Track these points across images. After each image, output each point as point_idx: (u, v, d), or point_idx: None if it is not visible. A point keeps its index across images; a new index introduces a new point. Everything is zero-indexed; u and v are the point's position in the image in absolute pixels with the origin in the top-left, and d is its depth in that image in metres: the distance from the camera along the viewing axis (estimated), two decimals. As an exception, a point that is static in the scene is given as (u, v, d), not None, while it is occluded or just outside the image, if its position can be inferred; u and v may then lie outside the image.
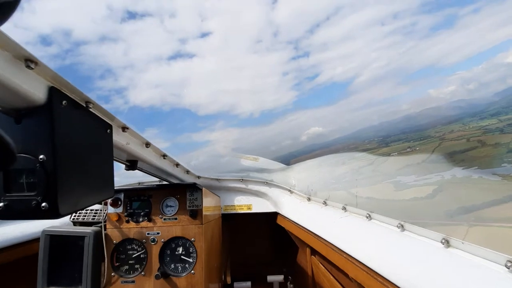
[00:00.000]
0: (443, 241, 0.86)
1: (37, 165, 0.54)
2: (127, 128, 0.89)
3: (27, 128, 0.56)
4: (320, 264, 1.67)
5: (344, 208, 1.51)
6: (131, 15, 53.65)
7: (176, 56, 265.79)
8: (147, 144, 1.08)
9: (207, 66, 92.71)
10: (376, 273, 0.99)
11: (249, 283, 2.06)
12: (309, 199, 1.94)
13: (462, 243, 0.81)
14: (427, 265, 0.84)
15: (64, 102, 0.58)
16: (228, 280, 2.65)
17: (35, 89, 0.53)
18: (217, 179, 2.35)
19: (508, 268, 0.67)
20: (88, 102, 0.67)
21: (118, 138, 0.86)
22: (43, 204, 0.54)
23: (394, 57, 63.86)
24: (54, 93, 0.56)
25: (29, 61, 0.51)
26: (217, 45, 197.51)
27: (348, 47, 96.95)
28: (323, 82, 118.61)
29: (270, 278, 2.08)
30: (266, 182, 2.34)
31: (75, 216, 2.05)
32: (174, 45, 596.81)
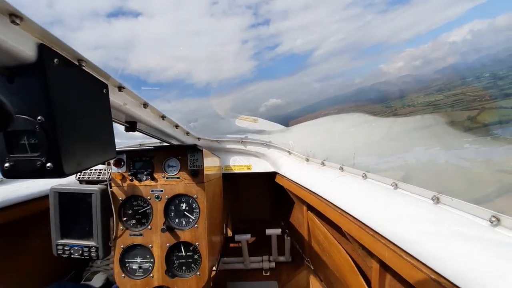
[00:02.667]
0: (434, 198, 0.91)
1: (36, 126, 0.54)
2: (123, 88, 0.87)
3: (21, 87, 0.54)
4: (316, 219, 1.78)
5: (341, 168, 1.55)
6: None
7: (118, 13, 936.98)
8: (145, 105, 1.07)
9: (157, 28, 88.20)
10: (368, 226, 1.06)
11: (248, 235, 2.21)
12: (307, 160, 1.98)
13: (452, 200, 0.86)
14: (417, 220, 0.90)
15: (55, 60, 0.56)
16: (230, 233, 2.85)
17: (23, 46, 0.50)
18: (217, 141, 2.37)
19: (492, 223, 0.72)
20: (80, 60, 0.64)
21: (115, 98, 0.84)
22: (48, 164, 0.56)
23: (352, 31, 57.92)
24: (44, 50, 0.54)
25: (14, 16, 0.47)
26: (167, 3, 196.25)
27: (309, 16, 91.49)
28: (283, 53, 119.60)
29: (269, 231, 2.22)
30: (265, 144, 2.37)
31: (80, 175, 2.11)
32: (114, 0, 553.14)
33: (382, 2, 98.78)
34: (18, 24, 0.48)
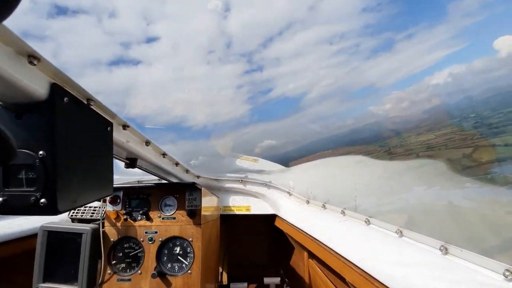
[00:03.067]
0: (442, 248, 0.86)
1: (37, 161, 0.54)
2: (128, 126, 0.89)
3: (28, 123, 0.56)
4: (317, 268, 1.67)
5: (343, 212, 1.51)
6: (60, 10, 51.15)
7: (119, 61, 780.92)
8: (147, 143, 1.08)
9: (155, 74, 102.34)
10: (373, 277, 0.99)
11: (245, 284, 2.05)
12: (308, 202, 1.94)
13: (461, 251, 0.81)
14: (425, 271, 0.84)
15: (65, 98, 0.58)
16: (225, 280, 2.65)
17: (37, 85, 0.53)
18: (216, 179, 2.35)
19: (506, 277, 0.67)
20: (89, 99, 0.67)
21: (119, 136, 0.86)
22: (42, 200, 0.54)
23: (340, 75, 71.88)
24: (56, 89, 0.56)
25: (32, 57, 0.51)
26: (165, 52, 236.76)
27: (299, 63, 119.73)
28: (276, 97, 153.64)
29: (267, 280, 2.07)
30: (265, 184, 2.34)
31: (73, 213, 2.04)
32: (116, 49, 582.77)
33: (366, 49, 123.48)
34: (35, 65, 0.51)
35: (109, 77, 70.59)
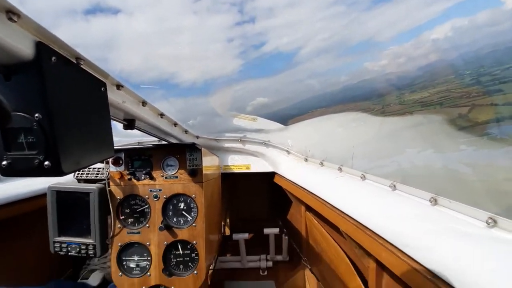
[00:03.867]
0: (432, 199, 0.91)
1: (34, 124, 0.54)
2: (122, 86, 0.86)
3: (18, 85, 0.54)
4: (314, 219, 1.78)
5: (339, 169, 1.55)
6: None
7: (96, 10, 50.96)
8: (144, 103, 1.07)
9: (137, 25, 53.61)
10: (365, 227, 1.07)
11: (246, 234, 2.21)
12: (306, 160, 1.99)
13: (449, 202, 0.86)
14: (414, 221, 0.90)
15: (53, 58, 0.56)
16: (227, 232, 2.85)
17: (20, 44, 0.50)
18: (215, 139, 2.37)
19: (488, 224, 0.72)
20: (78, 58, 0.64)
21: (114, 96, 0.84)
22: (46, 162, 0.55)
23: (337, 29, 54.28)
24: (41, 48, 0.53)
25: (11, 13, 0.47)
26: (149, 1, 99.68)
27: (294, 14, 70.70)
28: (269, 51, 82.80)
29: (266, 230, 2.23)
30: (264, 143, 2.37)
31: (78, 173, 2.11)
32: None
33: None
34: (15, 21, 0.47)
35: (86, 28, 49.43)
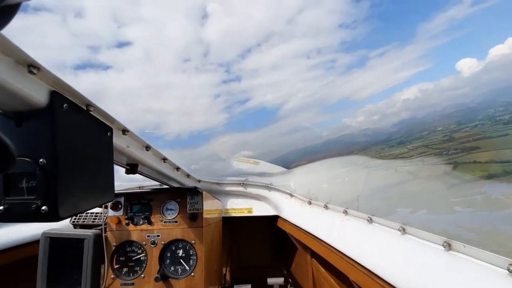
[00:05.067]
0: (445, 244, 0.86)
1: (37, 168, 0.54)
2: (127, 131, 0.89)
3: (28, 131, 0.56)
4: (321, 267, 1.66)
5: (345, 212, 1.50)
6: (20, 7, 42.53)
7: (86, 65, 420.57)
8: (147, 147, 1.09)
9: (127, 80, 76.75)
10: (377, 276, 0.99)
11: (249, 286, 2.05)
12: (310, 203, 1.93)
13: (464, 247, 0.81)
14: (429, 268, 0.84)
15: (65, 105, 0.59)
16: (228, 282, 2.64)
17: (36, 93, 0.53)
18: (217, 183, 2.35)
19: (511, 272, 0.67)
20: (89, 105, 0.68)
21: (118, 141, 0.86)
22: (43, 207, 0.54)
23: (316, 89, 68.88)
24: (55, 96, 0.57)
25: (32, 67, 0.51)
26: (138, 58, 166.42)
27: (277, 75, 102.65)
28: (253, 107, 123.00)
29: (270, 280, 2.07)
30: (267, 186, 2.34)
31: (75, 219, 2.05)
32: (83, 52, 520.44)
33: (341, 65, 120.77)
34: (34, 74, 0.51)
35: (74, 81, 58.12)
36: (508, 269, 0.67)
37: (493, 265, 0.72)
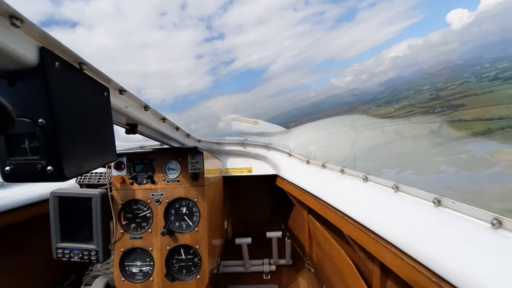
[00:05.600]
0: (435, 200, 0.91)
1: (37, 129, 0.54)
2: (124, 91, 0.87)
3: (22, 91, 0.54)
4: (317, 222, 1.77)
5: (342, 171, 1.55)
6: None
7: (50, 22, 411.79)
8: (146, 107, 1.07)
9: (99, 40, 60.79)
10: (369, 229, 1.06)
11: (249, 239, 2.20)
12: (308, 162, 1.98)
13: (453, 203, 0.85)
14: (418, 223, 0.89)
15: (57, 63, 0.56)
16: (230, 236, 2.84)
17: (24, 50, 0.50)
18: (217, 143, 2.37)
19: (493, 225, 0.71)
20: (82, 63, 0.65)
21: (116, 101, 0.84)
22: (49, 167, 0.55)
23: (304, 47, 61.16)
24: (45, 53, 0.54)
25: (14, 18, 0.47)
26: (109, 12, 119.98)
27: (262, 32, 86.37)
28: (239, 68, 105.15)
29: (269, 234, 2.21)
30: (266, 146, 2.37)
31: (80, 178, 2.11)
32: (44, 5, 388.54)
33: (330, 18, 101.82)
34: (18, 27, 0.48)
35: None
36: (491, 223, 0.72)
37: (479, 219, 0.77)
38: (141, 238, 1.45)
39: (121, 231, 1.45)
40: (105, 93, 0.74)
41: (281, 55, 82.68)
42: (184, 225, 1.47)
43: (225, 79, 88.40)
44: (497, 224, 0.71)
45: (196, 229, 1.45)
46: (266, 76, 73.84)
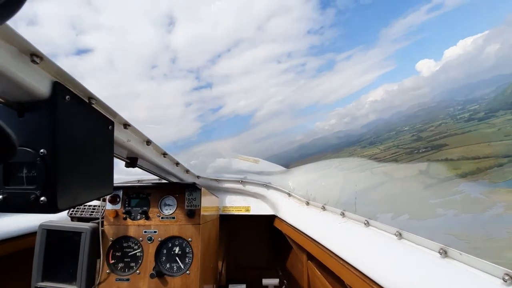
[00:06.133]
0: (441, 251, 0.86)
1: (38, 159, 0.54)
2: (129, 125, 0.89)
3: (30, 121, 0.56)
4: (316, 270, 1.67)
5: (342, 214, 1.50)
6: None
7: None
8: (148, 142, 1.09)
9: (90, 89, 58.00)
10: (372, 280, 0.99)
11: (244, 286, 2.05)
12: (307, 203, 1.94)
13: (460, 254, 0.81)
14: (424, 275, 0.84)
15: (67, 97, 0.59)
16: (224, 281, 2.64)
17: (39, 84, 0.53)
18: (216, 180, 2.35)
19: (505, 282, 0.67)
20: (91, 98, 0.67)
21: (119, 134, 0.86)
22: (42, 198, 0.54)
23: (288, 93, 65.21)
24: (58, 88, 0.56)
25: (35, 56, 0.51)
26: (101, 66, 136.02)
27: (249, 81, 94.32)
28: (227, 114, 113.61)
29: (265, 281, 2.07)
30: (265, 185, 2.34)
31: (73, 211, 2.05)
32: None
33: (311, 69, 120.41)
34: (37, 63, 0.51)
35: None
36: (503, 279, 0.68)
37: (489, 274, 0.72)
38: (128, 279, 1.35)
39: (108, 271, 1.36)
40: (110, 127, 0.75)
41: (268, 101, 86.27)
42: (175, 267, 1.38)
43: (213, 125, 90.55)
44: (509, 280, 0.66)
45: (187, 272, 1.36)
46: (254, 122, 74.51)
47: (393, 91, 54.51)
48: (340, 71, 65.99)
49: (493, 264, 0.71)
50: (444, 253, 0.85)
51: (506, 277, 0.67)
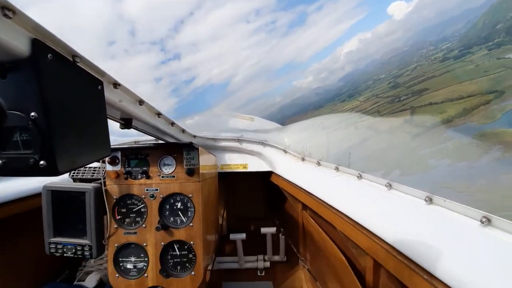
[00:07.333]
0: (427, 198, 0.92)
1: (30, 122, 0.53)
2: (119, 85, 0.86)
3: (14, 83, 0.53)
4: (310, 218, 1.79)
5: (336, 168, 1.56)
6: None
7: None
8: (141, 102, 1.06)
9: None
10: (362, 226, 1.07)
11: (243, 235, 2.21)
12: (303, 159, 1.99)
13: (444, 201, 0.87)
14: (409, 220, 0.91)
15: (49, 55, 0.55)
16: (225, 231, 2.85)
17: (16, 41, 0.49)
18: (213, 139, 2.37)
19: (483, 223, 0.73)
20: (75, 56, 0.63)
21: (110, 95, 0.83)
22: (41, 162, 0.55)
23: (262, 55, 58.69)
24: (37, 45, 0.53)
25: (6, 9, 0.46)
26: None
27: (219, 46, 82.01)
28: (201, 85, 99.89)
29: (264, 230, 2.23)
30: (261, 142, 2.37)
31: (74, 173, 2.09)
32: None
33: (282, 25, 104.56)
34: (10, 18, 0.47)
35: None
36: (480, 221, 0.74)
37: (469, 217, 0.78)
38: (135, 233, 1.45)
39: (115, 226, 1.45)
40: (99, 87, 0.73)
41: (241, 65, 77.30)
42: (178, 220, 1.47)
43: (189, 98, 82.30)
44: (486, 222, 0.72)
45: (190, 224, 1.45)
46: (231, 89, 68.73)
47: (366, 39, 50.59)
48: (312, 24, 59.20)
49: (473, 209, 0.77)
50: (429, 200, 0.91)
51: (484, 219, 0.73)
